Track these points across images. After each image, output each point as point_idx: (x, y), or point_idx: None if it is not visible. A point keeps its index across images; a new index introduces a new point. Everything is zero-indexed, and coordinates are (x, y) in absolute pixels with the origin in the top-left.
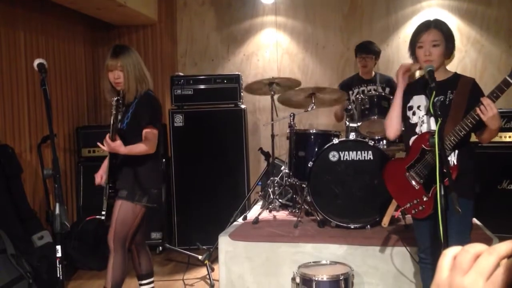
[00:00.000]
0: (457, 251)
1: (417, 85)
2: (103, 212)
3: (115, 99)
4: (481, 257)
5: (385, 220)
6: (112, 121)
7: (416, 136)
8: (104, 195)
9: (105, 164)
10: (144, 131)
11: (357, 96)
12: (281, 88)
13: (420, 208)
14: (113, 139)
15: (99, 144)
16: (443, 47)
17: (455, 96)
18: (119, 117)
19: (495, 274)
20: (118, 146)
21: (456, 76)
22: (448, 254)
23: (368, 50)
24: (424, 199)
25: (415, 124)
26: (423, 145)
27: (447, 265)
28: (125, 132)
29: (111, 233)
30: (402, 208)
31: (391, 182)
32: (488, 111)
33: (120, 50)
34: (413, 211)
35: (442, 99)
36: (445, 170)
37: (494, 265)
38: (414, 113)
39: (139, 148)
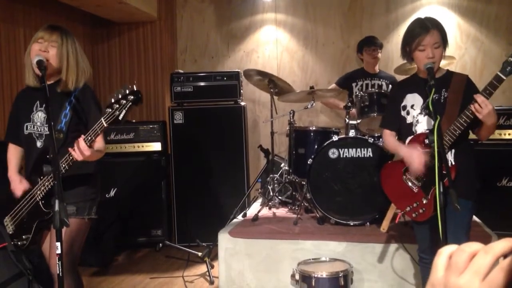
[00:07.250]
0: (453, 250)
1: (410, 83)
2: (25, 237)
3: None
4: (477, 256)
5: (384, 225)
6: (111, 118)
7: (411, 136)
8: (18, 213)
9: (13, 170)
10: None
11: (357, 93)
12: (278, 90)
13: (421, 211)
14: (90, 145)
15: (71, 152)
16: (442, 47)
17: (449, 94)
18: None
19: (491, 274)
20: (92, 152)
21: (449, 74)
22: (444, 253)
23: (375, 43)
24: (424, 201)
25: (411, 124)
26: (418, 147)
27: (443, 264)
28: (66, 134)
29: (65, 259)
30: (402, 212)
31: (388, 186)
32: (483, 108)
33: (59, 26)
34: (413, 215)
35: (436, 97)
36: (444, 172)
37: (490, 264)
38: (408, 113)
39: (100, 154)
